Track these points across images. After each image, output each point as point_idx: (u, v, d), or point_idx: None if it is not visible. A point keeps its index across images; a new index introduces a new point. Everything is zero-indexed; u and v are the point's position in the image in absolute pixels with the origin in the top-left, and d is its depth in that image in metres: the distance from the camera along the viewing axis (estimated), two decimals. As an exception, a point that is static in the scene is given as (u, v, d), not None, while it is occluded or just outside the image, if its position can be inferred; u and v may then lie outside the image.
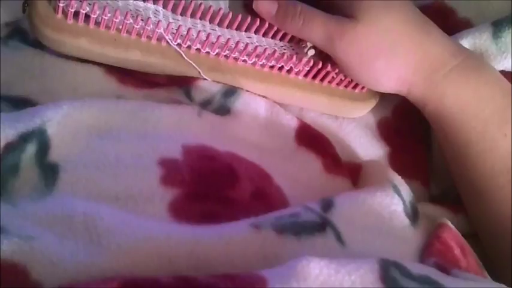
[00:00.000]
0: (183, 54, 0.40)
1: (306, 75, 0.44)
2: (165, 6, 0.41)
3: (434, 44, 0.42)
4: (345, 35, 0.41)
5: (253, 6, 0.42)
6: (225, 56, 0.41)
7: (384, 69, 0.42)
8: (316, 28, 0.41)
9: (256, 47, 0.42)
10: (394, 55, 0.42)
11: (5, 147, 0.33)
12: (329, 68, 0.43)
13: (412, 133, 0.47)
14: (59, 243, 0.29)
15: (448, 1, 0.51)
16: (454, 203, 0.46)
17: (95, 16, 0.38)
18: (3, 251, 0.27)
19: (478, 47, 0.46)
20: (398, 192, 0.39)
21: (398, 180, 0.40)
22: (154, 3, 0.40)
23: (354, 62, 0.42)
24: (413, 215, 0.39)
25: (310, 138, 0.42)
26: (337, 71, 0.44)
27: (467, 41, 0.46)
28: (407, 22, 0.42)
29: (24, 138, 0.33)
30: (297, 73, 0.43)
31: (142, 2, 0.40)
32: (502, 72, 0.47)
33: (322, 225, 0.34)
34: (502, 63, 0.47)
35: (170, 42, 0.40)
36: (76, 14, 0.38)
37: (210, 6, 0.42)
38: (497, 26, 0.47)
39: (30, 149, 0.33)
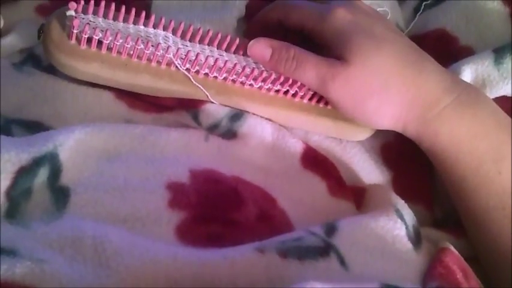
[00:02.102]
0: (192, 78, 0.41)
1: (310, 98, 0.45)
2: (174, 33, 0.42)
3: (427, 82, 0.42)
4: (336, 77, 0.41)
5: (247, 51, 0.43)
6: (232, 80, 0.42)
7: (377, 109, 0.42)
8: (309, 71, 0.42)
9: (262, 72, 0.43)
10: (386, 95, 0.42)
11: (18, 171, 0.34)
12: None
13: (416, 157, 0.47)
14: (68, 266, 0.29)
15: (450, 29, 0.52)
16: (457, 227, 0.46)
17: (107, 42, 0.39)
18: (16, 274, 0.28)
19: (480, 73, 0.47)
20: (401, 216, 0.39)
21: (401, 204, 0.41)
22: (164, 30, 0.42)
23: (347, 103, 0.42)
24: (416, 239, 0.40)
25: (315, 161, 0.42)
26: None
27: (469, 67, 0.47)
28: (399, 60, 0.42)
29: (37, 162, 0.34)
30: (302, 97, 0.44)
31: (152, 29, 0.41)
32: (503, 97, 0.48)
33: (325, 250, 0.34)
34: (504, 89, 0.47)
35: (179, 67, 0.41)
36: (89, 39, 0.39)
37: (218, 32, 0.43)
38: (499, 53, 0.47)
39: (43, 172, 0.34)
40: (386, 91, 0.42)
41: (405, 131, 0.44)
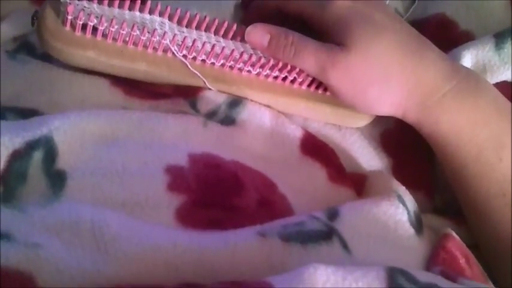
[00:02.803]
0: (189, 65, 0.41)
1: (309, 85, 0.44)
2: (170, 19, 0.41)
3: (427, 69, 0.42)
4: (336, 64, 0.41)
5: (245, 37, 0.42)
6: (230, 66, 0.42)
7: (377, 96, 0.42)
8: (308, 58, 0.41)
9: (260, 58, 0.42)
10: (386, 82, 0.42)
11: (12, 155, 0.33)
12: None
13: (416, 144, 0.47)
14: (65, 250, 0.29)
15: (450, 14, 0.51)
16: (458, 215, 0.46)
17: (102, 28, 0.38)
18: (10, 259, 0.27)
19: (480, 58, 0.47)
20: (402, 202, 0.39)
21: (402, 190, 0.41)
22: (160, 16, 0.41)
23: (347, 90, 0.42)
24: (418, 225, 0.40)
25: (315, 148, 0.42)
26: None
27: (469, 53, 0.47)
28: (400, 48, 0.42)
29: (31, 146, 0.34)
30: (301, 83, 0.44)
31: (148, 15, 0.41)
32: (504, 82, 0.47)
33: (328, 234, 0.34)
34: (505, 74, 0.47)
35: (176, 53, 0.40)
36: (84, 26, 0.39)
37: (215, 19, 0.42)
38: (499, 38, 0.47)
39: (37, 156, 0.34)
40: (386, 79, 0.42)
41: (405, 118, 0.44)
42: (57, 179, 0.33)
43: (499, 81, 0.47)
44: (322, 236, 0.33)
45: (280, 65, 0.42)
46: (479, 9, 0.51)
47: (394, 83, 0.42)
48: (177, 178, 0.35)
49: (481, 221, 0.44)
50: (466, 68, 0.45)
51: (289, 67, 0.42)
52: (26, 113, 0.38)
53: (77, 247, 0.29)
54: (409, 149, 0.47)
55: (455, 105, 0.42)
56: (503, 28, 0.48)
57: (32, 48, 0.42)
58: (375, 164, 0.46)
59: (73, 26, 0.39)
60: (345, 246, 0.34)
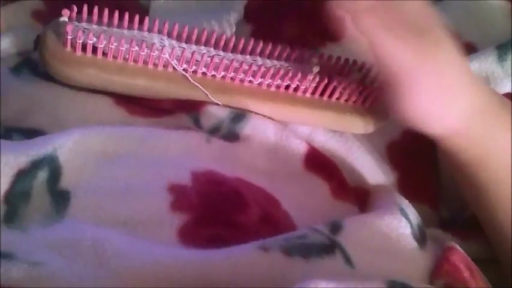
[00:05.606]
0: (189, 77, 0.41)
1: (313, 92, 0.43)
2: (169, 35, 0.41)
3: (482, 87, 0.41)
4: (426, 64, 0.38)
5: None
6: (231, 78, 0.42)
7: (443, 108, 0.40)
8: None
9: (260, 67, 0.42)
10: (453, 95, 0.39)
11: (17, 174, 0.33)
12: (335, 83, 0.43)
13: (421, 156, 0.46)
14: (67, 268, 0.29)
15: (452, 25, 0.51)
16: (464, 228, 0.46)
17: (102, 46, 0.39)
18: (11, 278, 0.27)
19: (483, 70, 0.47)
20: (405, 215, 0.39)
21: (405, 203, 0.40)
22: (158, 33, 0.41)
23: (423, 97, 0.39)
24: (421, 238, 0.39)
25: (319, 163, 0.42)
26: (344, 86, 0.43)
27: (472, 65, 0.46)
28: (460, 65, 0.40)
29: (36, 165, 0.34)
30: (304, 90, 0.43)
31: (147, 32, 0.41)
32: (507, 94, 0.47)
33: (330, 247, 0.34)
34: (508, 86, 0.47)
35: (176, 67, 0.40)
36: (84, 46, 0.39)
37: (213, 32, 0.42)
38: (502, 49, 0.47)
39: (42, 175, 0.34)
40: (452, 93, 0.39)
41: (459, 136, 0.41)
42: (60, 199, 0.33)
43: (502, 93, 0.47)
44: (325, 250, 0.33)
45: (282, 73, 0.42)
46: (481, 21, 0.51)
47: (460, 96, 0.40)
48: (179, 197, 0.35)
49: (500, 236, 0.43)
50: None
51: (290, 75, 0.42)
52: (31, 133, 0.38)
53: (79, 264, 0.29)
54: (414, 161, 0.47)
55: (497, 124, 0.41)
56: (506, 39, 0.48)
57: (35, 65, 0.42)
58: (380, 177, 0.45)
59: (73, 46, 0.39)
60: (347, 259, 0.34)
